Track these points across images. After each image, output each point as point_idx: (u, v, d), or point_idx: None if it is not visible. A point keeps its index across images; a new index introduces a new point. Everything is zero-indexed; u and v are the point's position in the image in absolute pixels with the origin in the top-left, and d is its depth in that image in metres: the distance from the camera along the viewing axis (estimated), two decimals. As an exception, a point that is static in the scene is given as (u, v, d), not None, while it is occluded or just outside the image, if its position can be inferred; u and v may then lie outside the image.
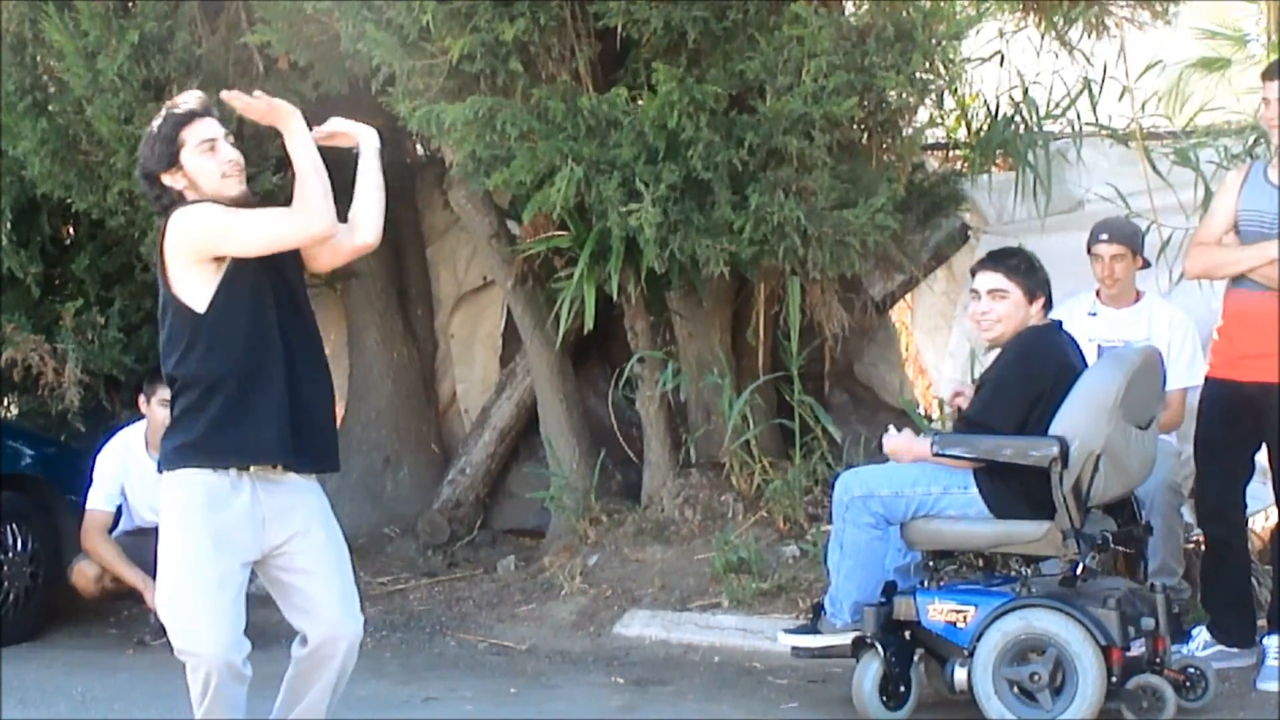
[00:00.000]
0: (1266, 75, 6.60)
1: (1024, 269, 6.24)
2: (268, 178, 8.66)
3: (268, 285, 5.11)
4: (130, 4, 8.56)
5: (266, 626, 7.79)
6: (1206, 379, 6.74)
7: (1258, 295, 6.45)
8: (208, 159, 5.16)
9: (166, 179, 5.16)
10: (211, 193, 5.14)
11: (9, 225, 9.12)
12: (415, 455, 10.32)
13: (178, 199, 5.16)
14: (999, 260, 6.32)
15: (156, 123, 5.25)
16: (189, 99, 5.31)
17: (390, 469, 10.24)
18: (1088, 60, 8.80)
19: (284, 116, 5.26)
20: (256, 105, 5.25)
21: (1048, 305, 6.28)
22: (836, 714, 6.57)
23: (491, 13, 7.56)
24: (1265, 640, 6.61)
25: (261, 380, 5.07)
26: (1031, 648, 5.96)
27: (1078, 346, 6.38)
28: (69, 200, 8.83)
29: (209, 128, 5.19)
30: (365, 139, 5.41)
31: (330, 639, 5.15)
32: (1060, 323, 6.41)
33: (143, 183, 5.25)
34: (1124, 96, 8.96)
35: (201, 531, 5.03)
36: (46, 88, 8.89)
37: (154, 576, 7.70)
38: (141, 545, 7.95)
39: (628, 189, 7.57)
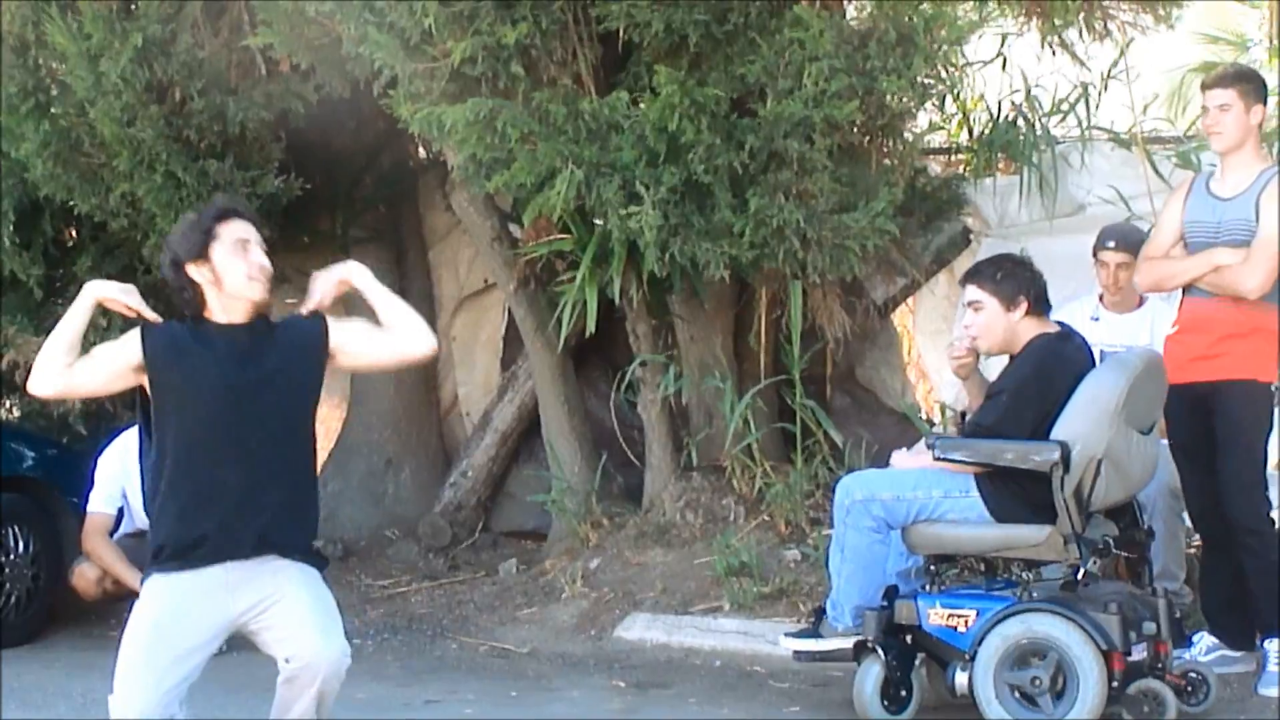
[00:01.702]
0: (1205, 85, 6.76)
1: (998, 276, 6.22)
2: (270, 180, 8.67)
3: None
4: (133, 6, 8.57)
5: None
6: None
7: (1205, 301, 6.61)
8: (238, 258, 5.13)
9: (192, 269, 5.12)
10: (232, 292, 5.12)
11: (11, 227, 9.11)
12: (417, 458, 10.33)
13: (197, 295, 5.15)
14: (974, 273, 6.35)
15: (195, 214, 5.30)
16: (226, 199, 5.40)
17: (392, 471, 10.24)
18: (1085, 65, 8.80)
19: (351, 275, 5.36)
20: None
21: (1039, 305, 6.24)
22: (838, 718, 6.56)
23: (493, 16, 7.56)
24: (1265, 644, 6.60)
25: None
26: (1033, 652, 5.95)
27: (1089, 348, 6.36)
28: (71, 203, 8.83)
29: (245, 229, 5.17)
30: (353, 275, 5.37)
31: (308, 665, 5.04)
32: (1070, 329, 6.38)
33: (169, 270, 5.18)
34: (1126, 99, 8.97)
35: (164, 604, 5.05)
36: (49, 90, 8.88)
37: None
38: (142, 548, 7.92)
39: (628, 192, 7.57)
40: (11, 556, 8.22)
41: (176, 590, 5.04)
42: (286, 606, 5.07)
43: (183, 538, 5.06)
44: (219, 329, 5.14)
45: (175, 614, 5.02)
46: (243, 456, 5.08)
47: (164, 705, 4.99)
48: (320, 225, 10.01)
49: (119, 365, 5.14)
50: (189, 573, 5.04)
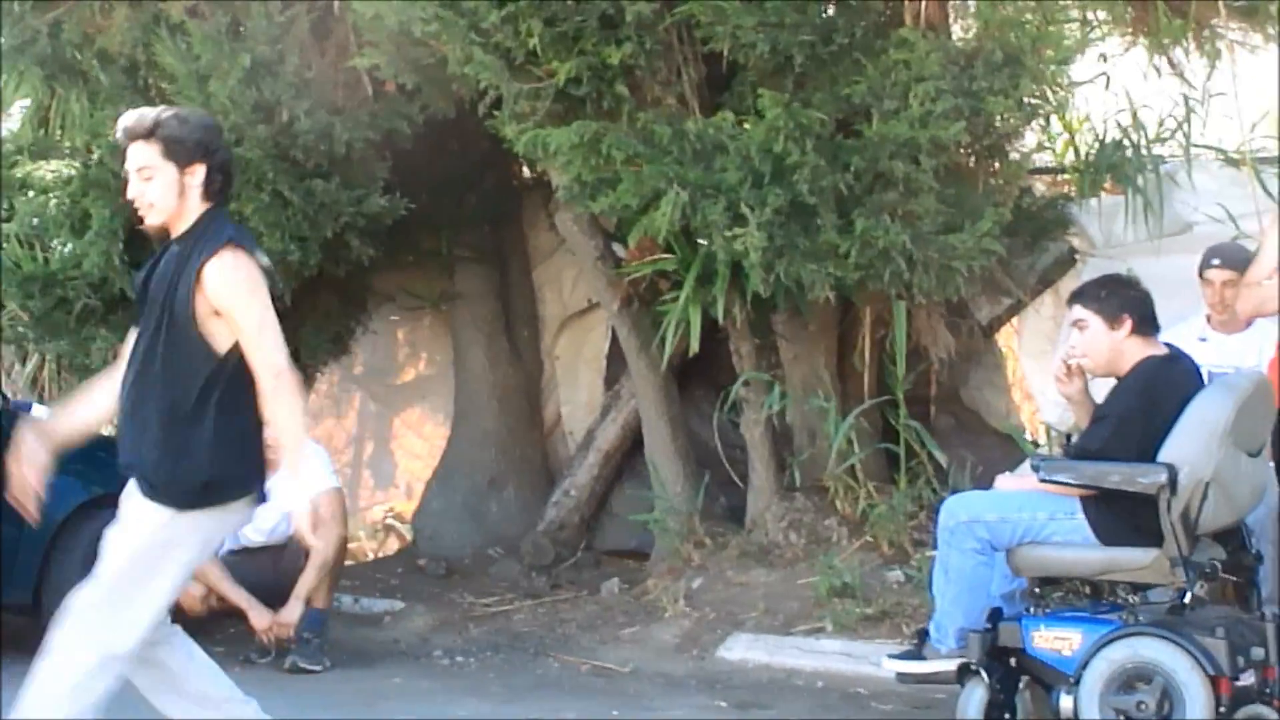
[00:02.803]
0: None
1: (1101, 295, 6.17)
2: (375, 199, 8.73)
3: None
4: (241, 28, 8.66)
5: (365, 645, 7.86)
6: None
7: None
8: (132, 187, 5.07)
9: None
10: None
11: (121, 245, 9.22)
12: (520, 476, 10.37)
13: None
14: (1079, 293, 6.30)
15: None
16: (126, 117, 5.11)
17: (495, 490, 10.29)
18: (1191, 84, 8.72)
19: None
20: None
21: (1144, 325, 6.18)
22: (940, 741, 6.54)
23: (598, 36, 7.59)
24: None
25: None
26: (1138, 676, 5.88)
27: (1197, 370, 6.29)
28: (179, 222, 8.93)
29: (136, 154, 5.06)
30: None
31: None
32: (1179, 351, 6.31)
33: None
34: (1234, 118, 8.87)
35: None
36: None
37: (259, 596, 7.84)
38: (246, 565, 8.02)
39: (733, 213, 7.57)
40: (118, 572, 8.29)
41: None
42: None
43: None
44: (168, 241, 5.05)
45: None
46: (131, 370, 4.97)
47: None
48: (425, 244, 10.08)
49: None
50: None
